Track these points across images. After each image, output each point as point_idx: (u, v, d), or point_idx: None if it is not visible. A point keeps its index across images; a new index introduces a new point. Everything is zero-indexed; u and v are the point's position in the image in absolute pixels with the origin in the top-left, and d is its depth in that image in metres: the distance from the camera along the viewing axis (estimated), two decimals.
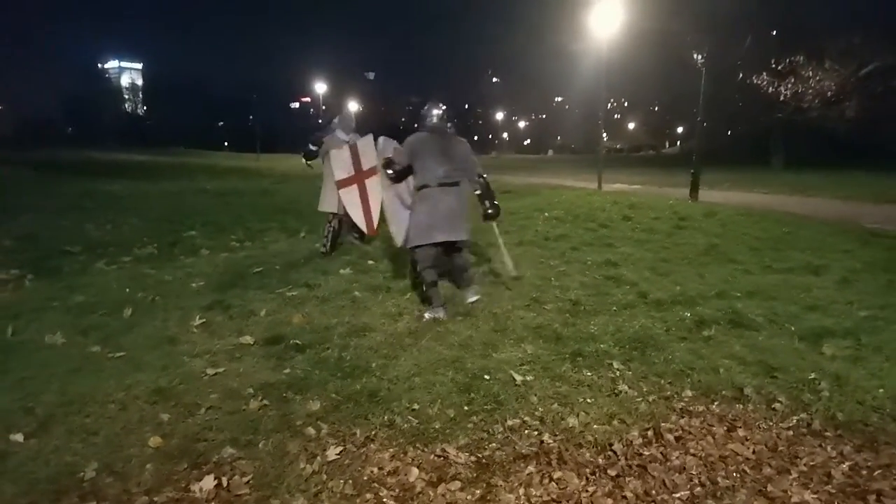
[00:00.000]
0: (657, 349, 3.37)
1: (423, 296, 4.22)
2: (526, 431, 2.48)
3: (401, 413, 2.61)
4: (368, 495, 2.05)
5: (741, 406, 2.72)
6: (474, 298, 4.09)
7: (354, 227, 5.76)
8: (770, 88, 26.80)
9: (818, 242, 7.02)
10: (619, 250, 6.45)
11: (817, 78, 25.65)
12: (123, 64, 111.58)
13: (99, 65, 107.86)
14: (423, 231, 3.94)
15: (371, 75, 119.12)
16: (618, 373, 3.06)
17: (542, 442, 2.40)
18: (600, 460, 2.28)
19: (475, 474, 2.17)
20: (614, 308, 4.20)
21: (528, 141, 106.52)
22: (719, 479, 2.14)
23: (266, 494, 2.04)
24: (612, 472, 2.18)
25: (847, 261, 5.91)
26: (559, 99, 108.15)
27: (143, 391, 2.80)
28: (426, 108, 4.11)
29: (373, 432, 2.46)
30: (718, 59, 19.07)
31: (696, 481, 2.13)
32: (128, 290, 4.65)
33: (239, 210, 10.64)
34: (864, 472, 2.19)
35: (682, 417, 2.62)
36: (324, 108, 59.58)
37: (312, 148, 6.36)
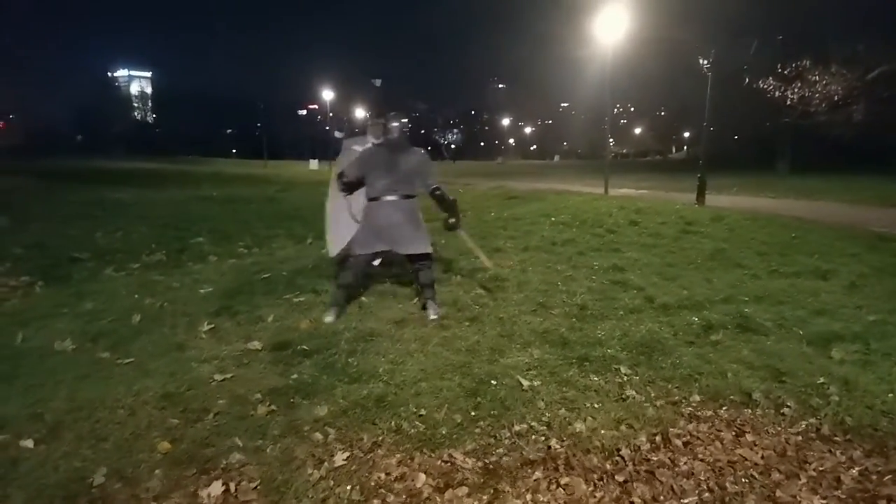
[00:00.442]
0: (665, 354, 3.36)
1: (333, 295, 4.22)
2: (533, 437, 2.47)
3: (408, 418, 2.61)
4: (375, 501, 2.05)
5: (749, 411, 2.70)
6: (434, 317, 4.05)
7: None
8: (776, 93, 26.63)
9: (826, 247, 6.98)
10: (626, 255, 6.45)
11: (824, 82, 25.47)
12: (133, 72, 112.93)
13: (109, 73, 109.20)
14: (363, 241, 4.05)
15: (378, 82, 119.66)
16: (625, 377, 3.06)
17: (549, 447, 2.39)
18: (608, 466, 2.27)
19: (482, 480, 2.17)
20: (621, 313, 4.19)
21: (535, 146, 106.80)
22: (728, 485, 2.13)
23: (274, 500, 2.04)
24: (620, 478, 2.17)
25: (855, 265, 5.88)
26: (565, 105, 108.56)
27: (152, 397, 2.81)
28: (386, 119, 4.14)
29: (380, 437, 2.46)
30: (725, 64, 19.02)
31: (705, 487, 2.12)
32: (136, 296, 4.69)
33: (246, 217, 10.69)
34: (874, 478, 2.17)
35: (690, 422, 2.61)
36: (331, 114, 59.95)
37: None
